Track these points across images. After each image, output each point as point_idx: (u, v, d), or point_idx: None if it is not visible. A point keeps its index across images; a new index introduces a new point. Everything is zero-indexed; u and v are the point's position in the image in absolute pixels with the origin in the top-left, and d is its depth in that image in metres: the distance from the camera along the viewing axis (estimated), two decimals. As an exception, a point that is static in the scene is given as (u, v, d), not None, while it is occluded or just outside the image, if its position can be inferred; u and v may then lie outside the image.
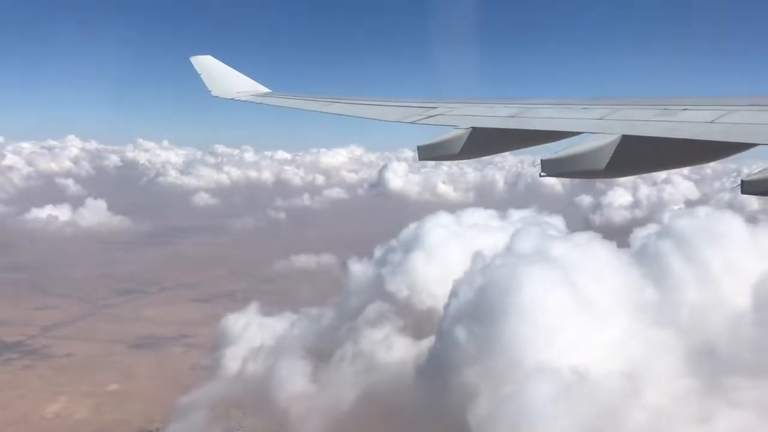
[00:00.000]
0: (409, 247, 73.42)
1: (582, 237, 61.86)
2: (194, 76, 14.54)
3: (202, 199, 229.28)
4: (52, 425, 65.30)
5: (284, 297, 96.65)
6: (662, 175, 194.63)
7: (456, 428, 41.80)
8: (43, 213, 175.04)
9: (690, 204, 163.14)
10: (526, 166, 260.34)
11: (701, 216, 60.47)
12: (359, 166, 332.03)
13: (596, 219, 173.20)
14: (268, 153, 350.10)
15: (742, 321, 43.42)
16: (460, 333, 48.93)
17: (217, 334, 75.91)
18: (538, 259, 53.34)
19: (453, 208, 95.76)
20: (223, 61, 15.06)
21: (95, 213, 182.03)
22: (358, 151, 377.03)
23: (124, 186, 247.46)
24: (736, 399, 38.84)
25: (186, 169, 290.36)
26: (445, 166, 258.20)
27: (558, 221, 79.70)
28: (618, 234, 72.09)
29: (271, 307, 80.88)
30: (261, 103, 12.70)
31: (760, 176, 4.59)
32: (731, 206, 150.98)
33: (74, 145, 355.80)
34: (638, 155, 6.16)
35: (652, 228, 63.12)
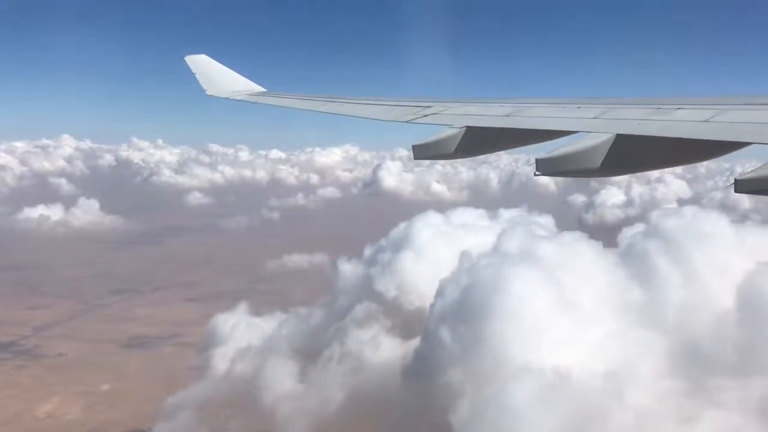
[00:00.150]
0: (398, 247, 73.36)
1: (568, 237, 61.78)
2: (189, 75, 14.51)
3: (196, 198, 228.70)
4: (44, 425, 64.95)
5: (276, 296, 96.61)
6: (655, 173, 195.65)
7: (442, 429, 41.79)
8: (35, 213, 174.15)
9: (682, 203, 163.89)
10: (520, 165, 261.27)
11: (688, 216, 60.27)
12: (354, 165, 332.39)
13: (589, 218, 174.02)
14: (262, 152, 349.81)
15: (727, 321, 43.31)
16: (445, 333, 48.91)
17: (206, 334, 75.79)
18: (524, 259, 53.29)
19: (447, 207, 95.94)
20: (217, 61, 15.05)
21: (88, 212, 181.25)
22: (353, 150, 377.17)
23: (118, 185, 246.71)
24: (720, 399, 38.95)
25: (180, 168, 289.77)
26: (439, 165, 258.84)
27: (548, 221, 79.81)
28: (610, 233, 72.30)
29: (262, 307, 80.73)
30: (256, 103, 12.68)
31: (754, 175, 4.63)
32: (723, 205, 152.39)
33: (68, 144, 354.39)
34: (632, 154, 6.19)
35: (640, 227, 63.30)
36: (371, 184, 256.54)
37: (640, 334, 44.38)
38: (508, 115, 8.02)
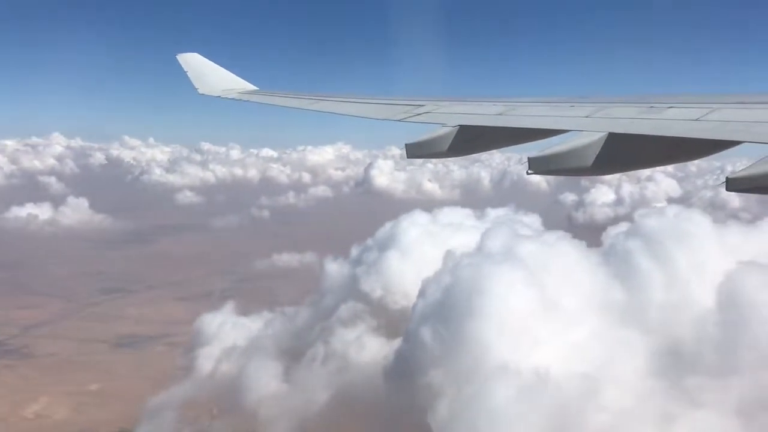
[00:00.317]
0: (384, 247, 73.41)
1: (551, 236, 61.86)
2: (181, 73, 14.45)
3: (187, 197, 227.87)
4: (32, 426, 64.49)
5: (264, 296, 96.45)
6: (646, 172, 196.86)
7: (426, 430, 41.68)
8: (23, 212, 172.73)
9: (672, 201, 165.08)
10: (512, 164, 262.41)
11: (670, 215, 60.49)
12: (346, 163, 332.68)
13: (579, 216, 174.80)
14: (254, 151, 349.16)
15: (707, 321, 43.61)
16: (426, 334, 48.84)
17: (193, 334, 75.60)
18: (506, 259, 53.29)
19: (439, 205, 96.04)
20: (209, 59, 14.98)
21: (77, 211, 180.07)
22: (345, 148, 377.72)
23: (108, 184, 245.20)
24: (699, 399, 39.14)
25: (171, 167, 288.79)
26: (431, 163, 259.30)
27: (534, 220, 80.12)
28: (599, 232, 72.53)
29: (250, 306, 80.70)
30: (248, 101, 12.63)
31: (745, 173, 4.65)
32: (713, 203, 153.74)
33: (59, 143, 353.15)
34: (624, 153, 6.20)
35: (623, 227, 63.43)
36: (363, 183, 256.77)
37: (622, 334, 44.44)
38: (500, 114, 8.03)
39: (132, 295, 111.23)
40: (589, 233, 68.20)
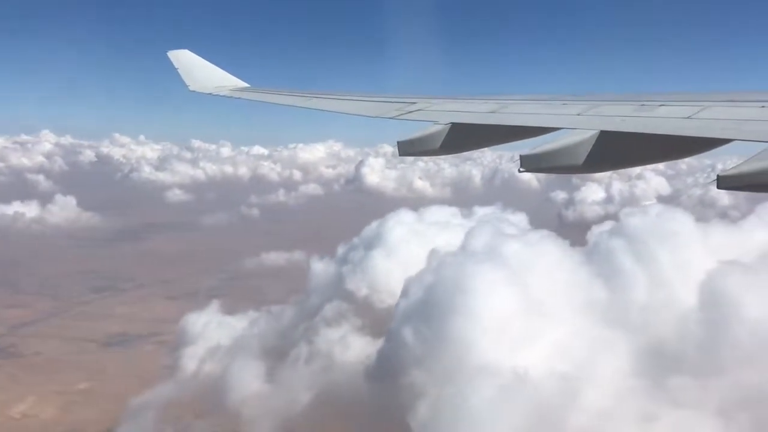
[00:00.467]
0: (370, 245, 73.35)
1: (536, 235, 61.82)
2: (172, 70, 14.37)
3: (176, 195, 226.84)
4: (19, 425, 63.91)
5: (252, 295, 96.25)
6: (636, 170, 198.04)
7: (407, 430, 41.60)
8: (9, 210, 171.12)
9: (662, 199, 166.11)
10: (503, 162, 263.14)
11: (654, 214, 60.66)
12: (337, 161, 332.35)
13: (569, 215, 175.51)
14: (244, 148, 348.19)
15: (689, 320, 43.78)
16: (408, 333, 48.86)
17: (178, 333, 75.34)
18: (489, 258, 53.28)
19: (429, 203, 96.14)
20: (200, 56, 14.89)
21: (64, 209, 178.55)
22: (336, 146, 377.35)
23: (97, 182, 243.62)
24: (680, 399, 39.25)
25: (161, 164, 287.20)
26: (422, 162, 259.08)
27: (521, 218, 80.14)
28: (588, 230, 72.62)
29: (238, 305, 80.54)
30: (239, 98, 12.58)
31: (735, 171, 4.68)
32: (703, 202, 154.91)
33: (48, 141, 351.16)
34: (616, 151, 6.23)
35: (608, 226, 63.48)
36: (354, 181, 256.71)
37: (604, 334, 44.52)
38: (492, 112, 8.03)
39: (121, 294, 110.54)
40: (579, 231, 68.34)
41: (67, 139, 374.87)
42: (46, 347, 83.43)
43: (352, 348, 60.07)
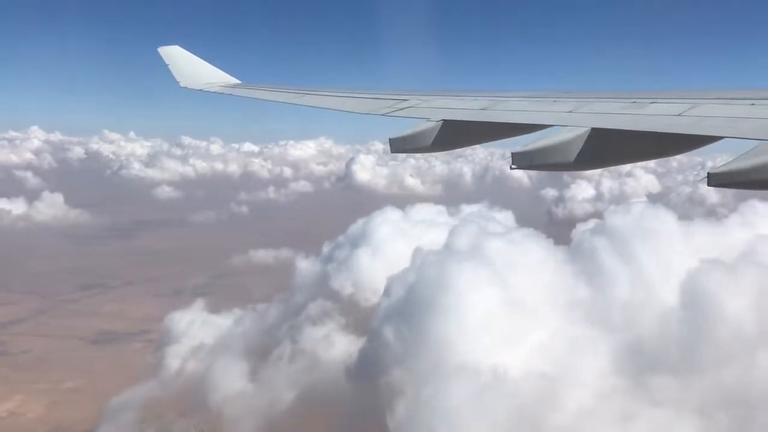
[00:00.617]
0: (355, 244, 73.18)
1: (519, 233, 61.89)
2: (163, 66, 14.28)
3: (165, 192, 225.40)
4: (5, 424, 63.42)
5: (239, 293, 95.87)
6: (626, 168, 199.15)
7: (387, 429, 41.54)
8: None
9: (651, 197, 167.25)
10: (495, 160, 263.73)
11: (637, 213, 60.73)
12: (328, 158, 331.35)
13: (559, 212, 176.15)
14: (235, 145, 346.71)
15: (670, 319, 43.87)
16: (389, 332, 48.73)
17: (162, 332, 75.05)
18: (472, 257, 53.12)
19: (420, 201, 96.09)
20: (191, 52, 14.81)
21: (51, 206, 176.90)
22: (327, 143, 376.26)
23: (86, 179, 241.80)
24: (659, 398, 39.40)
25: (151, 161, 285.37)
26: (413, 159, 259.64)
27: (508, 216, 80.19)
28: (575, 228, 72.54)
29: (224, 303, 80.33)
30: (230, 95, 12.53)
31: (726, 169, 4.71)
32: (692, 199, 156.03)
33: (37, 137, 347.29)
34: (607, 148, 6.25)
35: (592, 224, 63.44)
36: (344, 178, 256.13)
37: (585, 333, 44.56)
38: (484, 109, 8.04)
39: (110, 292, 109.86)
40: (568, 229, 68.47)
41: (56, 136, 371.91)
42: (34, 345, 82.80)
43: (336, 347, 59.92)
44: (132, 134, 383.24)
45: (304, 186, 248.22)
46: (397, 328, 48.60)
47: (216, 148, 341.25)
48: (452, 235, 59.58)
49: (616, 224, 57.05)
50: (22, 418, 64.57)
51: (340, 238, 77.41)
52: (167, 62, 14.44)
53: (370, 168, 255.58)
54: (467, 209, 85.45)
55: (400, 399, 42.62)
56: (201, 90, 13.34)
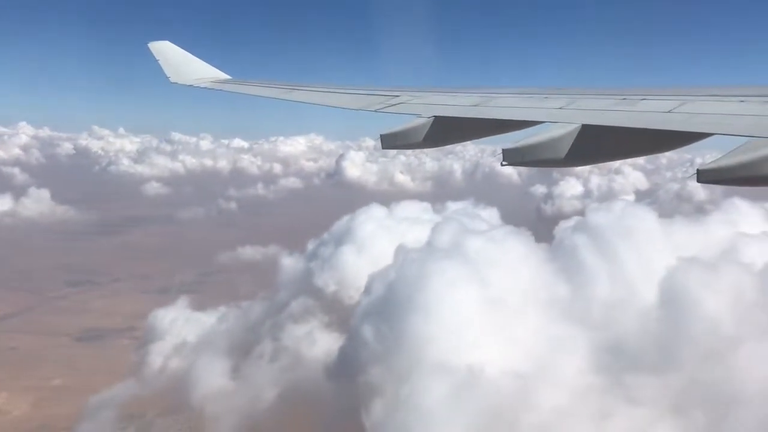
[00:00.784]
0: (340, 241, 73.00)
1: (501, 231, 61.61)
2: (153, 62, 14.18)
3: (153, 188, 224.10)
4: (-9, 421, 63.07)
5: (225, 290, 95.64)
6: (615, 164, 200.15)
7: (365, 428, 41.58)
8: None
9: (640, 194, 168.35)
10: (486, 156, 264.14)
11: (617, 210, 60.87)
12: (318, 154, 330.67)
13: (548, 209, 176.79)
14: (225, 141, 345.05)
15: (648, 317, 44.00)
16: (368, 331, 48.72)
17: (146, 329, 74.76)
18: (452, 255, 52.99)
19: (410, 198, 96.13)
20: (181, 47, 14.71)
21: (38, 203, 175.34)
22: (317, 139, 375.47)
23: (75, 175, 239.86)
24: (636, 396, 39.53)
25: (140, 157, 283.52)
26: (404, 155, 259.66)
27: (492, 213, 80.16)
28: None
29: (211, 300, 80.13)
30: (220, 90, 12.46)
31: (715, 165, 4.75)
32: (679, 196, 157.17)
33: (25, 133, 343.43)
34: (598, 144, 6.27)
35: (573, 222, 63.32)
36: (334, 175, 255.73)
37: (564, 330, 44.56)
38: (475, 105, 8.05)
39: (97, 288, 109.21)
40: (555, 226, 68.47)
41: (45, 132, 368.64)
42: (21, 342, 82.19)
43: (318, 344, 59.78)
44: (121, 130, 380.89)
45: (293, 182, 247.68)
46: (376, 326, 48.50)
47: (205, 144, 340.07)
48: (434, 232, 59.26)
49: (598, 222, 57.12)
50: (7, 416, 64.14)
51: (325, 236, 77.31)
52: (157, 58, 14.34)
53: (360, 164, 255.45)
54: (453, 206, 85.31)
55: (377, 398, 42.57)
56: (191, 85, 13.26)
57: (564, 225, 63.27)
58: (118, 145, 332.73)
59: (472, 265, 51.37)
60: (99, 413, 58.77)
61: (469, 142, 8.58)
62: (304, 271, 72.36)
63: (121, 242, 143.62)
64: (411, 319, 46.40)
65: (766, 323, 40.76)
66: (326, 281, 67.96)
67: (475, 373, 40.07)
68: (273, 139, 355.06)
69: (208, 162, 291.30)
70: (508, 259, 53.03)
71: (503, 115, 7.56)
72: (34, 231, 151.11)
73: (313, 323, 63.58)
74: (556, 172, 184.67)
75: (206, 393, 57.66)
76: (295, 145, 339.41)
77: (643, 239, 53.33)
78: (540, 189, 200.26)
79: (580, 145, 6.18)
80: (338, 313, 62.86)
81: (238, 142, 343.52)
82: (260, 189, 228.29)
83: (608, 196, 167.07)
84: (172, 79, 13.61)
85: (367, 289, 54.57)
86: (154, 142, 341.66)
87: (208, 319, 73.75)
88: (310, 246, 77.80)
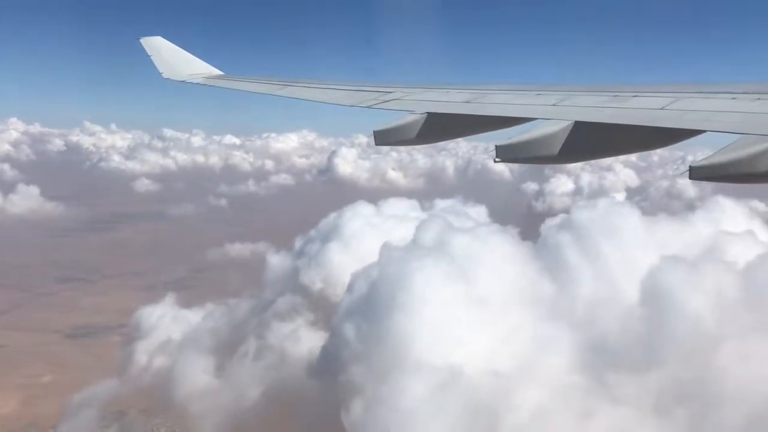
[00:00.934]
0: (326, 239, 72.73)
1: (487, 229, 61.32)
2: (145, 58, 14.11)
3: (144, 185, 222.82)
4: (-21, 420, 62.59)
5: (215, 287, 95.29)
6: (606, 162, 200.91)
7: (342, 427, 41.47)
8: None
9: (630, 191, 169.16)
10: (478, 153, 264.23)
11: (602, 209, 60.61)
12: (311, 151, 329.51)
13: (539, 206, 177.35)
14: (216, 138, 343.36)
15: (631, 315, 43.91)
16: (350, 329, 48.43)
17: (133, 327, 74.51)
18: (436, 253, 52.61)
19: (401, 195, 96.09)
20: (174, 43, 14.64)
21: (27, 199, 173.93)
22: (310, 136, 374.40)
23: (65, 171, 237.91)
24: (618, 395, 39.52)
25: (131, 153, 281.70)
26: (396, 152, 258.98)
27: (480, 210, 79.95)
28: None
29: (198, 298, 79.93)
30: (213, 86, 12.42)
31: (707, 162, 4.79)
32: (670, 193, 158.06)
33: (15, 129, 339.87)
34: (590, 141, 6.30)
35: (558, 220, 63.10)
36: (326, 171, 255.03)
37: (546, 329, 44.36)
38: (468, 102, 8.06)
39: (88, 285, 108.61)
40: (540, 224, 68.28)
41: (35, 128, 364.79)
42: (11, 339, 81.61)
43: (303, 342, 59.38)
44: (113, 126, 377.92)
45: (285, 179, 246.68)
46: (358, 325, 48.22)
47: (197, 140, 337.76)
48: (419, 230, 58.72)
49: (582, 220, 56.88)
50: (-3, 413, 63.76)
51: (312, 233, 77.06)
52: (150, 53, 14.27)
53: (352, 161, 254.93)
54: (441, 204, 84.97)
55: (357, 397, 42.33)
56: (184, 81, 13.20)
57: (550, 223, 63.02)
58: (109, 141, 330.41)
59: (455, 263, 51.03)
60: (81, 412, 58.46)
61: (461, 139, 8.60)
62: (291, 269, 72.10)
63: (112, 239, 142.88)
64: (393, 317, 46.07)
65: (747, 322, 40.82)
66: (312, 279, 67.76)
67: (456, 373, 39.90)
68: (265, 135, 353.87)
69: (200, 158, 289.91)
70: (492, 257, 52.70)
71: (496, 112, 7.58)
72: (23, 228, 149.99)
73: (299, 321, 63.36)
74: (547, 169, 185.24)
75: (190, 391, 57.45)
76: (287, 142, 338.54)
77: (626, 237, 53.32)
78: (532, 186, 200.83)
79: (573, 141, 6.20)
80: (324, 311, 62.43)
81: (230, 139, 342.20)
82: (251, 186, 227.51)
83: (599, 193, 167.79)
84: (164, 75, 13.55)
85: (350, 288, 54.16)
86: (146, 139, 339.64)
87: (194, 317, 73.41)
88: (298, 243, 77.47)
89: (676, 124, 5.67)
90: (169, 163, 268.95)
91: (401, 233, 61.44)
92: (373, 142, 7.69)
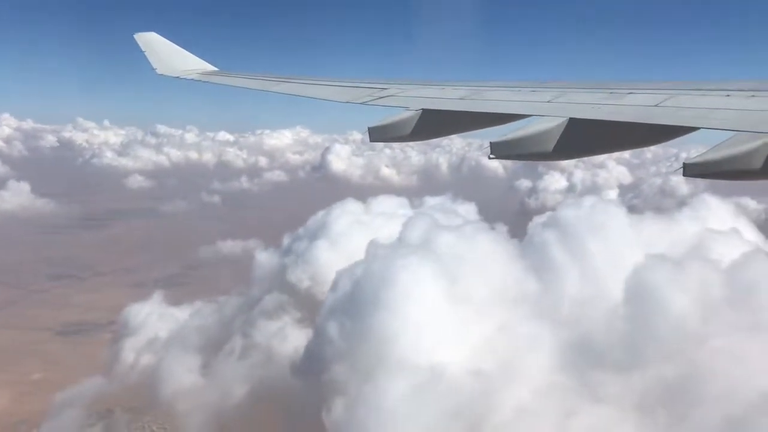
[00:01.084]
0: (314, 236, 72.47)
1: (474, 227, 60.44)
2: (139, 53, 14.02)
3: (137, 181, 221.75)
4: (-30, 417, 62.26)
5: (205, 284, 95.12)
6: (598, 159, 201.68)
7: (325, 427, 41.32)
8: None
9: (623, 188, 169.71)
10: (472, 150, 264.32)
11: (588, 206, 60.08)
12: (304, 148, 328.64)
13: (532, 203, 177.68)
14: (210, 134, 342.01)
15: (614, 314, 43.61)
16: (334, 328, 48.03)
17: (121, 324, 74.29)
18: (421, 251, 52.16)
19: (395, 191, 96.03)
20: (168, 39, 14.58)
21: (17, 196, 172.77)
22: (304, 132, 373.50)
23: (57, 167, 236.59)
24: (601, 394, 39.24)
25: (124, 150, 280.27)
26: (389, 149, 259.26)
27: (470, 208, 79.56)
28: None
29: (188, 295, 79.72)
30: (207, 82, 12.37)
31: (701, 159, 4.83)
32: (662, 191, 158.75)
33: (8, 124, 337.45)
34: (585, 138, 6.32)
35: (543, 218, 62.82)
36: (319, 168, 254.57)
37: (530, 328, 44.02)
38: (463, 98, 8.07)
39: (80, 282, 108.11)
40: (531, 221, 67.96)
41: (28, 124, 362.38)
42: (1, 337, 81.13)
43: (290, 340, 59.09)
44: (106, 122, 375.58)
45: (278, 176, 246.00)
46: (341, 323, 47.84)
47: (191, 137, 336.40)
48: (406, 228, 58.06)
49: (568, 218, 56.51)
50: (-13, 411, 63.43)
51: (300, 230, 76.80)
52: (144, 49, 14.19)
53: (345, 158, 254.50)
54: (430, 201, 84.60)
55: (339, 396, 42.10)
56: (178, 77, 13.15)
57: (537, 220, 62.67)
58: (102, 137, 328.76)
59: (441, 261, 50.50)
60: (66, 410, 58.24)
61: (456, 136, 8.60)
62: (278, 267, 71.82)
63: (104, 236, 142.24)
64: (376, 316, 45.72)
65: (732, 321, 40.79)
66: (299, 277, 67.42)
67: (438, 372, 39.66)
68: (259, 132, 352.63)
69: (193, 155, 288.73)
70: (478, 255, 52.18)
71: (491, 109, 7.59)
72: (14, 224, 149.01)
73: (286, 319, 63.03)
74: (541, 166, 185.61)
75: (176, 389, 57.22)
76: (281, 138, 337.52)
77: (612, 235, 53.07)
78: (525, 183, 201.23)
79: (567, 138, 6.22)
80: (310, 309, 61.82)
81: (224, 135, 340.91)
82: (245, 182, 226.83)
83: (592, 190, 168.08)
84: (158, 71, 13.49)
85: (334, 286, 53.67)
86: (139, 135, 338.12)
87: (182, 315, 73.14)
88: (286, 240, 77.17)
89: (670, 121, 5.69)
90: (162, 159, 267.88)
91: (390, 231, 60.92)
92: (367, 138, 7.69)
